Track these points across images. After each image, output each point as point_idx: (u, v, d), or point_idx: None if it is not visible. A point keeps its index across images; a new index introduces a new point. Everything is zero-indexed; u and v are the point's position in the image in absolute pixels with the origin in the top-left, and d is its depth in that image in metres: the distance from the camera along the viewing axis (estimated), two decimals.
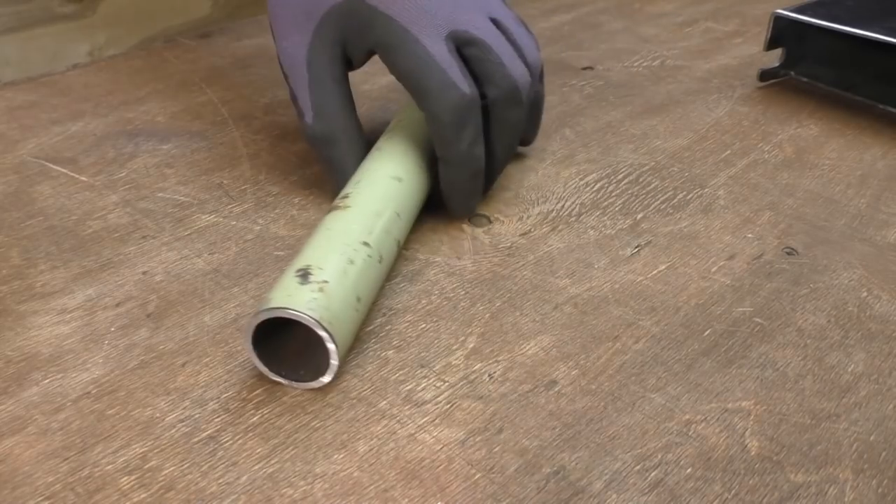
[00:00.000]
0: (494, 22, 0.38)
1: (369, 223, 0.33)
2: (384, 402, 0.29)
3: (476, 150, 0.36)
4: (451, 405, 0.29)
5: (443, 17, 0.36)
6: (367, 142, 0.39)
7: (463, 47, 0.36)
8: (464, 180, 0.37)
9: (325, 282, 0.29)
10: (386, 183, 0.35)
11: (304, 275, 0.29)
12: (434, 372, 0.30)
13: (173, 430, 0.28)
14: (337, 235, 0.32)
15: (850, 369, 0.30)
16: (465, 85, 0.35)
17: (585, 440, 0.27)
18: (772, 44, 0.52)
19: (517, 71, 0.36)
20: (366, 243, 0.32)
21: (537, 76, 0.39)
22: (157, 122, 0.48)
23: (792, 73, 0.53)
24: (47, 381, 0.30)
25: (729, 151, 0.45)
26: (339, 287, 0.29)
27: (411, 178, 0.36)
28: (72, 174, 0.43)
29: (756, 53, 0.58)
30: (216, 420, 0.28)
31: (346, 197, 0.34)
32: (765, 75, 0.53)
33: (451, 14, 0.36)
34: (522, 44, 0.38)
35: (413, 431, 0.28)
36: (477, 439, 0.27)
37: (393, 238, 0.34)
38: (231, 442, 0.27)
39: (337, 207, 0.33)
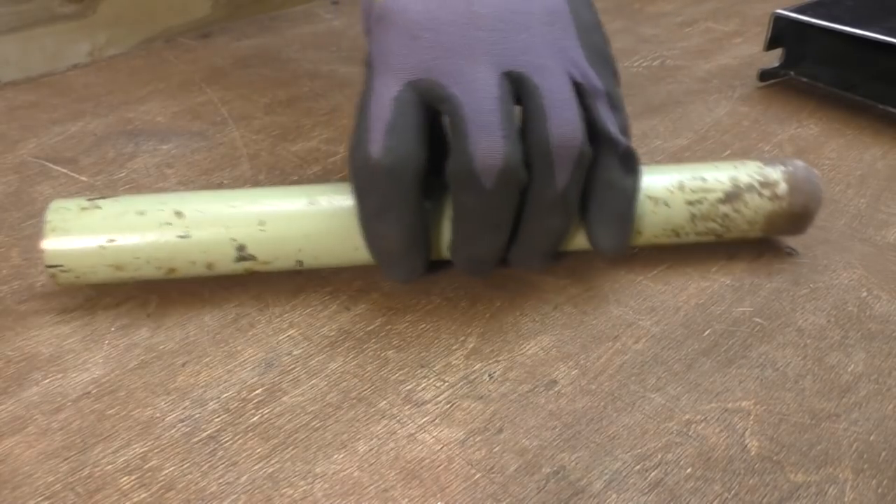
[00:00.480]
0: (517, 77, 0.29)
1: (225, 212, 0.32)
2: (384, 402, 0.29)
3: (378, 224, 0.29)
4: (451, 405, 0.29)
5: (412, 61, 0.29)
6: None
7: (434, 102, 0.29)
8: (374, 251, 0.31)
9: (98, 207, 0.31)
10: (296, 200, 0.32)
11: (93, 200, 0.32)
12: (434, 372, 0.30)
13: (173, 430, 0.28)
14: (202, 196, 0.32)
15: (849, 369, 0.30)
16: (379, 146, 0.28)
17: (585, 440, 0.27)
18: (772, 44, 0.52)
19: (480, 148, 0.27)
20: (179, 213, 0.31)
21: (553, 164, 0.28)
22: (157, 122, 0.48)
23: (792, 73, 0.53)
24: (47, 380, 0.30)
25: (729, 151, 0.45)
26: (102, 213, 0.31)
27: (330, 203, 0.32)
28: (72, 174, 0.43)
29: (756, 53, 0.58)
30: (216, 420, 0.28)
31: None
32: (765, 75, 0.53)
33: (428, 58, 0.29)
34: (550, 114, 0.28)
35: (413, 431, 0.28)
36: (477, 439, 0.27)
37: (229, 235, 0.31)
38: (231, 442, 0.27)
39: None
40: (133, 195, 0.32)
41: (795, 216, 0.35)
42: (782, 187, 0.34)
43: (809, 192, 0.34)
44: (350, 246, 0.32)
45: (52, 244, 0.31)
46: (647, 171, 0.34)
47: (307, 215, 0.32)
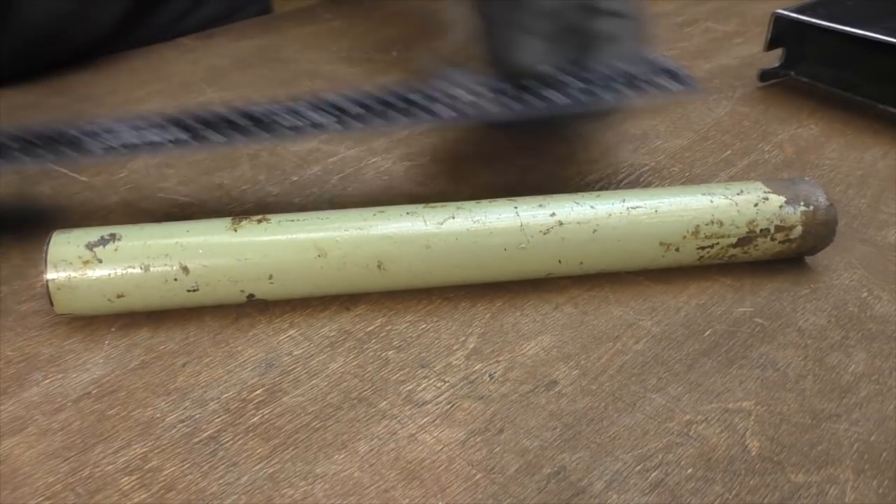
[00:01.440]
0: None
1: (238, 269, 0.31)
2: (384, 403, 0.29)
3: None
4: (452, 405, 0.29)
5: None
6: None
7: None
8: None
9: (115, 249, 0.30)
10: (306, 254, 0.31)
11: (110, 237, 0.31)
12: (434, 372, 0.30)
13: (174, 431, 0.28)
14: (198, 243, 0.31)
15: (850, 369, 0.30)
16: None
17: (586, 440, 0.27)
18: (772, 44, 0.52)
19: None
20: (185, 268, 0.31)
21: None
22: None
23: (792, 73, 0.53)
24: (48, 381, 0.30)
25: (729, 151, 0.45)
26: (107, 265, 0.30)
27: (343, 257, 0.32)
28: (72, 174, 0.43)
29: (756, 53, 0.58)
30: (216, 420, 0.28)
31: (264, 220, 0.32)
32: (765, 75, 0.53)
33: None
34: None
35: (414, 432, 0.28)
36: (477, 439, 0.27)
37: (239, 288, 0.31)
38: (231, 442, 0.27)
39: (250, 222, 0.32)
40: (131, 239, 0.31)
41: (800, 254, 0.35)
42: (797, 230, 0.33)
43: (823, 235, 0.34)
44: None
45: (61, 302, 0.30)
46: (666, 205, 0.33)
47: (315, 268, 0.31)
